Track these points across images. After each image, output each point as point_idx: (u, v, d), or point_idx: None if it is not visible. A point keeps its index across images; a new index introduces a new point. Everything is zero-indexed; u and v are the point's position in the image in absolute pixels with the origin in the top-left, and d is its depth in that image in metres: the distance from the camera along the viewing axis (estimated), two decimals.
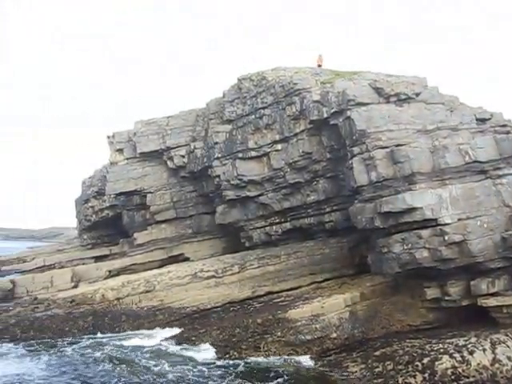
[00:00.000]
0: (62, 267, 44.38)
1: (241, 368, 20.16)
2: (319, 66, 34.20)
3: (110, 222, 46.99)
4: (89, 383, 18.21)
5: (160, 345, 22.97)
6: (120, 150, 43.00)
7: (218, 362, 20.81)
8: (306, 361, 21.04)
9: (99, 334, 24.45)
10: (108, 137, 45.85)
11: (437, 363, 18.68)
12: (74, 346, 22.75)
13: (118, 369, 19.66)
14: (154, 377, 19.01)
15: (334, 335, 22.94)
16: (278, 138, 30.69)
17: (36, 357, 21.24)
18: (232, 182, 32.80)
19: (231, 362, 20.88)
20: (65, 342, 23.41)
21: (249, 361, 20.93)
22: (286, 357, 21.44)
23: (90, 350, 22.15)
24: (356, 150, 24.74)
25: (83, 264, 44.06)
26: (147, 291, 28.54)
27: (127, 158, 42.42)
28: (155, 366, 20.27)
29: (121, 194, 41.65)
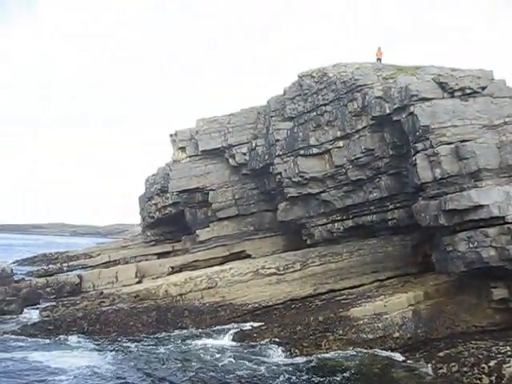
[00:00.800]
0: (127, 263, 45.46)
1: (308, 364, 20.06)
2: (379, 59, 33.67)
3: (172, 219, 47.82)
4: (156, 380, 18.40)
5: (223, 341, 23.12)
6: (182, 148, 43.70)
7: (285, 359, 20.74)
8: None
9: (163, 333, 24.76)
10: (170, 135, 46.64)
11: (504, 366, 18.09)
12: (138, 343, 23.15)
13: (184, 366, 19.81)
14: (222, 374, 19.08)
15: (397, 334, 22.56)
16: (339, 134, 30.43)
17: (103, 351, 21.74)
18: (293, 179, 32.75)
19: (298, 358, 20.80)
20: (129, 338, 23.86)
21: (318, 357, 20.79)
22: (364, 350, 21.38)
23: (154, 347, 22.52)
24: (419, 146, 24.26)
25: (146, 260, 45.07)
26: (209, 287, 28.85)
27: (189, 156, 43.07)
28: (221, 362, 20.37)
29: (183, 191, 42.27)
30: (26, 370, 18.89)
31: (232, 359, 20.70)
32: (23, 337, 23.57)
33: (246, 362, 20.32)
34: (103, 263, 50.56)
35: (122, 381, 18.11)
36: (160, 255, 47.96)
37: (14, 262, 64.20)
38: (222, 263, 35.85)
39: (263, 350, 21.75)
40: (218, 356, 21.19)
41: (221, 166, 41.20)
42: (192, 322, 25.88)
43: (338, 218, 32.39)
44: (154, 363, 20.19)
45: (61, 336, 23.76)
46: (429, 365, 19.78)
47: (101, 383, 17.86)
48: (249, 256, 37.23)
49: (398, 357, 21.08)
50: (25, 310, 29.44)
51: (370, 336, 22.31)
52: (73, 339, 23.36)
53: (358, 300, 25.75)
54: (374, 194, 29.93)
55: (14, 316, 28.22)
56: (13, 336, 23.62)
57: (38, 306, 30.77)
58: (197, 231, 41.19)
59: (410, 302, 24.08)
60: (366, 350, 21.56)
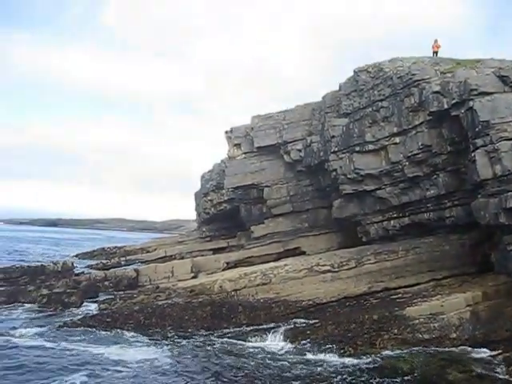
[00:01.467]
0: (182, 258, 46.17)
1: (365, 364, 19.76)
2: (435, 52, 32.94)
3: (227, 215, 48.22)
4: (212, 377, 18.48)
5: (277, 339, 23.03)
6: (238, 145, 43.92)
7: (340, 359, 20.49)
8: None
9: (217, 328, 24.90)
10: (226, 132, 46.96)
11: None
12: (193, 338, 23.41)
13: (239, 363, 19.86)
14: (277, 372, 19.01)
15: (454, 335, 22.08)
16: (395, 130, 29.93)
17: (159, 345, 22.05)
18: (349, 176, 32.43)
19: (352, 358, 20.50)
20: (184, 333, 24.14)
21: (374, 357, 20.48)
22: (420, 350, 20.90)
23: (209, 342, 22.71)
24: (479, 142, 23.63)
25: (202, 255, 45.62)
26: (263, 284, 28.90)
27: (245, 153, 43.25)
28: (275, 361, 20.34)
29: (238, 187, 42.53)
30: (88, 362, 19.36)
31: (286, 357, 20.68)
32: (82, 328, 24.21)
33: (301, 360, 20.24)
34: (159, 258, 51.56)
35: (180, 376, 18.28)
36: (215, 251, 48.51)
37: (74, 256, 65.99)
38: (276, 260, 35.89)
39: (317, 347, 21.59)
40: (272, 354, 21.21)
41: (276, 162, 41.23)
42: (246, 317, 25.98)
43: (394, 215, 31.88)
44: (210, 360, 20.32)
45: (118, 329, 24.19)
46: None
47: (161, 378, 18.06)
48: (303, 253, 37.14)
49: (457, 357, 20.59)
50: (84, 302, 30.21)
51: (426, 336, 21.91)
52: (129, 333, 23.76)
53: (413, 299, 25.34)
54: (432, 191, 29.30)
55: (74, 308, 29.03)
56: (73, 327, 24.31)
57: (97, 298, 31.58)
58: (252, 227, 41.39)
59: (468, 303, 23.50)
60: (422, 350, 21.14)
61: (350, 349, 21.28)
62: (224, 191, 45.56)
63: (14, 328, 23.92)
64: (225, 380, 18.17)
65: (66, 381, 17.07)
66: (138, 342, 22.60)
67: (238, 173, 42.18)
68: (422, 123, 28.46)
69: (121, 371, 18.36)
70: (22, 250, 75.35)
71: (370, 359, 20.26)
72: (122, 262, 51.62)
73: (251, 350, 21.76)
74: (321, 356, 20.75)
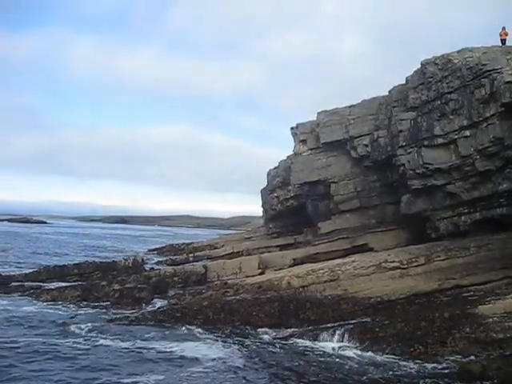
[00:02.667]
0: (249, 254, 46.56)
1: (441, 370, 19.10)
2: (503, 40, 31.84)
3: (294, 212, 48.29)
4: (285, 379, 18.34)
5: (345, 338, 22.79)
6: (304, 141, 43.95)
7: (412, 360, 19.98)
8: None
9: (285, 327, 24.93)
10: (292, 128, 47.08)
11: None
12: (261, 336, 23.53)
13: (308, 365, 19.62)
14: (347, 374, 18.64)
15: None
16: (465, 123, 29.11)
17: (229, 343, 22.23)
18: (417, 171, 31.80)
19: (425, 358, 19.95)
20: (252, 330, 24.30)
21: (447, 358, 19.86)
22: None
23: (278, 341, 22.75)
24: None
25: (269, 252, 45.83)
26: (331, 280, 28.75)
27: (311, 149, 43.25)
28: (344, 360, 20.11)
29: (305, 183, 42.54)
30: (163, 358, 19.61)
31: (355, 357, 20.38)
32: (153, 322, 24.81)
33: (370, 361, 19.88)
34: (227, 254, 52.22)
35: (251, 377, 18.14)
36: (282, 247, 48.66)
37: (144, 252, 67.70)
38: (343, 256, 35.62)
39: (386, 346, 21.27)
40: (340, 354, 20.96)
41: (342, 158, 40.96)
42: (314, 314, 25.90)
43: (465, 210, 31.02)
44: (278, 360, 20.17)
45: (187, 325, 24.59)
46: None
47: (233, 378, 17.94)
48: (371, 249, 36.69)
49: None
50: (154, 297, 30.90)
51: (500, 335, 21.18)
52: (198, 329, 24.10)
53: (486, 297, 24.59)
54: (504, 186, 28.34)
55: (145, 303, 29.72)
56: (144, 322, 24.91)
57: (167, 294, 32.24)
58: (319, 224, 41.26)
59: None
60: (497, 353, 20.38)
61: (420, 347, 20.86)
62: (290, 187, 45.70)
63: (85, 325, 24.53)
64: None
65: (141, 380, 17.23)
66: (207, 338, 22.84)
67: (304, 169, 42.17)
68: (493, 115, 27.58)
69: (194, 370, 18.42)
70: (93, 246, 78.10)
71: (442, 362, 19.55)
72: (191, 258, 52.59)
73: (319, 349, 21.60)
74: (390, 356, 20.42)
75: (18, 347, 20.12)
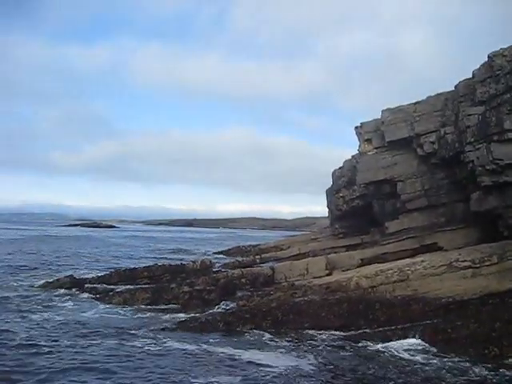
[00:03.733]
0: (316, 255, 46.36)
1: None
2: None
3: (360, 212, 47.84)
4: (358, 381, 18.12)
5: (416, 339, 22.43)
6: (368, 140, 43.50)
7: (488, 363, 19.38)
8: None
9: (354, 329, 24.72)
10: (356, 127, 46.72)
11: None
12: (331, 340, 23.22)
13: (380, 369, 19.21)
14: (422, 378, 18.20)
15: None
16: None
17: (300, 346, 22.10)
18: (487, 167, 30.86)
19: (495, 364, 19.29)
20: (321, 333, 24.12)
21: None
22: None
23: (348, 343, 22.56)
24: None
25: (335, 252, 45.56)
26: (401, 280, 28.31)
27: (376, 148, 42.73)
28: (416, 365, 19.57)
29: (370, 183, 42.08)
30: (233, 361, 19.71)
31: (428, 361, 19.87)
32: (222, 324, 24.96)
33: (444, 365, 19.32)
34: (293, 256, 52.26)
35: (326, 381, 17.93)
36: (348, 247, 48.32)
37: (212, 254, 68.62)
38: (411, 256, 34.98)
39: (459, 348, 20.80)
40: (411, 356, 20.56)
41: (408, 156, 40.25)
42: (383, 314, 25.61)
43: None
44: (351, 363, 19.93)
45: (256, 327, 24.73)
46: None
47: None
48: (440, 248, 35.91)
49: None
50: (223, 299, 31.22)
51: None
52: (267, 331, 24.17)
53: None
54: None
55: (214, 304, 30.11)
56: (213, 323, 25.10)
57: (235, 295, 32.53)
58: (386, 223, 40.72)
59: None
60: None
61: (496, 349, 20.28)
62: (356, 187, 45.32)
63: (155, 327, 25.06)
64: None
65: (212, 382, 17.31)
66: (276, 340, 22.87)
67: (369, 168, 41.70)
68: None
69: (265, 374, 18.32)
70: (161, 249, 79.72)
71: None
72: (257, 260, 52.88)
73: (390, 351, 21.25)
74: (464, 358, 19.94)
75: (89, 349, 20.66)
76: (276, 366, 19.20)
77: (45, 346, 20.84)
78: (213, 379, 17.57)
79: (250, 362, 19.62)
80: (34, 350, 20.14)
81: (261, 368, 18.95)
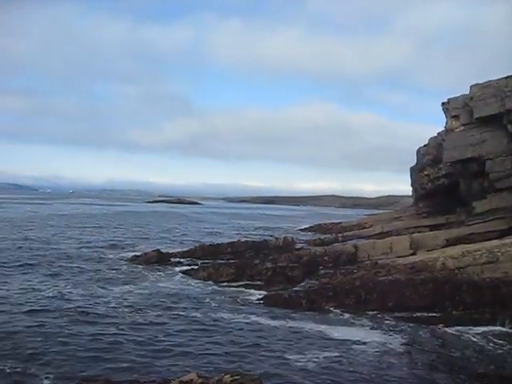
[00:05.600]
0: (399, 234, 45.63)
1: None
2: None
3: (445, 191, 46.62)
4: (445, 364, 17.66)
5: (506, 324, 21.69)
6: (456, 117, 42.27)
7: None
8: None
9: (439, 309, 24.25)
10: (443, 103, 45.44)
11: None
12: (418, 321, 22.91)
13: (469, 351, 18.83)
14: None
15: None
16: None
17: (383, 325, 22.08)
18: None
19: None
20: (407, 314, 23.73)
21: None
22: None
23: (433, 324, 22.26)
24: None
25: (419, 232, 44.63)
26: (489, 262, 27.44)
27: (463, 124, 41.50)
28: (505, 349, 19.11)
29: (457, 161, 40.93)
30: (318, 338, 19.75)
31: None
32: (305, 301, 25.06)
33: None
34: (376, 234, 51.68)
35: (415, 362, 17.63)
36: (433, 227, 47.19)
37: (293, 232, 68.94)
38: (499, 237, 33.85)
39: None
40: (501, 340, 20.01)
41: (498, 133, 38.78)
42: (470, 296, 24.97)
43: None
44: (437, 345, 19.57)
45: (339, 305, 24.75)
46: None
47: (396, 364, 17.31)
48: None
49: None
50: (305, 276, 31.30)
51: None
52: (350, 309, 24.17)
53: None
54: None
55: (297, 282, 30.25)
56: (296, 301, 25.28)
57: (317, 273, 32.56)
58: (473, 203, 39.54)
59: None
60: None
61: None
62: (441, 165, 44.15)
63: (240, 302, 25.59)
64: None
65: (301, 358, 17.32)
66: (360, 319, 22.86)
67: (456, 146, 40.52)
68: None
69: (353, 352, 18.21)
70: (244, 226, 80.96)
71: None
72: (339, 238, 52.63)
73: (478, 335, 20.79)
74: None
75: (177, 322, 21.22)
76: (364, 344, 19.15)
77: (132, 317, 21.68)
78: (310, 355, 17.57)
79: (339, 340, 19.58)
80: (120, 321, 20.92)
81: (353, 346, 18.89)
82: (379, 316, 23.45)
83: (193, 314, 22.53)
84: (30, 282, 27.90)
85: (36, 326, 19.45)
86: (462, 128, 41.33)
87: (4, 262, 33.66)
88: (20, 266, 32.96)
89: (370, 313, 23.82)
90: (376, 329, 21.50)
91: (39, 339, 17.80)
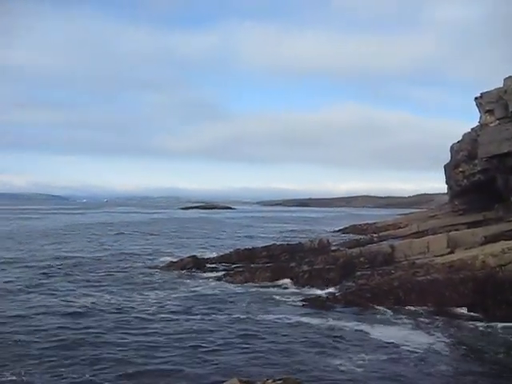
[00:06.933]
0: (435, 233, 44.98)
1: None
2: None
3: (481, 187, 45.92)
4: (491, 367, 17.21)
5: None
6: (490, 111, 41.69)
7: None
8: None
9: (480, 308, 23.82)
10: (476, 98, 44.81)
11: None
12: (458, 318, 22.75)
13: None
14: None
15: None
16: None
17: (424, 326, 21.66)
18: None
19: None
20: (447, 314, 23.47)
21: None
22: None
23: (476, 324, 21.85)
24: None
25: (456, 230, 43.93)
26: None
27: (498, 119, 40.82)
28: None
29: (493, 156, 40.24)
30: (360, 340, 19.58)
31: None
32: (343, 303, 25.13)
33: None
34: (412, 233, 51.06)
35: (462, 365, 17.21)
36: (470, 225, 46.42)
37: (328, 233, 68.62)
38: None
39: None
40: None
41: None
42: None
43: None
44: (482, 347, 19.15)
45: (377, 306, 24.51)
46: None
47: (440, 368, 16.82)
48: None
49: None
50: (342, 278, 31.11)
51: None
52: (390, 310, 23.95)
53: None
54: None
55: (334, 284, 30.07)
56: (334, 302, 25.38)
57: (354, 274, 32.29)
58: (511, 198, 38.83)
59: None
60: None
61: None
62: (477, 161, 43.50)
63: (279, 304, 25.71)
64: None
65: (343, 359, 17.24)
66: (401, 320, 22.58)
67: (492, 141, 39.85)
68: None
69: (396, 354, 18.02)
70: (278, 229, 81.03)
71: None
72: (375, 239, 52.17)
73: None
74: None
75: (216, 328, 21.27)
76: (408, 345, 18.90)
77: (173, 323, 21.85)
78: (353, 357, 17.41)
79: (382, 341, 19.39)
80: (166, 324, 21.18)
81: (396, 347, 18.67)
82: (419, 316, 23.14)
83: (231, 319, 22.57)
84: (71, 291, 28.52)
85: (82, 332, 19.93)
86: (497, 122, 40.63)
87: (45, 272, 34.52)
88: (63, 274, 33.85)
89: (409, 313, 23.52)
90: (417, 329, 21.18)
91: (88, 345, 18.35)
